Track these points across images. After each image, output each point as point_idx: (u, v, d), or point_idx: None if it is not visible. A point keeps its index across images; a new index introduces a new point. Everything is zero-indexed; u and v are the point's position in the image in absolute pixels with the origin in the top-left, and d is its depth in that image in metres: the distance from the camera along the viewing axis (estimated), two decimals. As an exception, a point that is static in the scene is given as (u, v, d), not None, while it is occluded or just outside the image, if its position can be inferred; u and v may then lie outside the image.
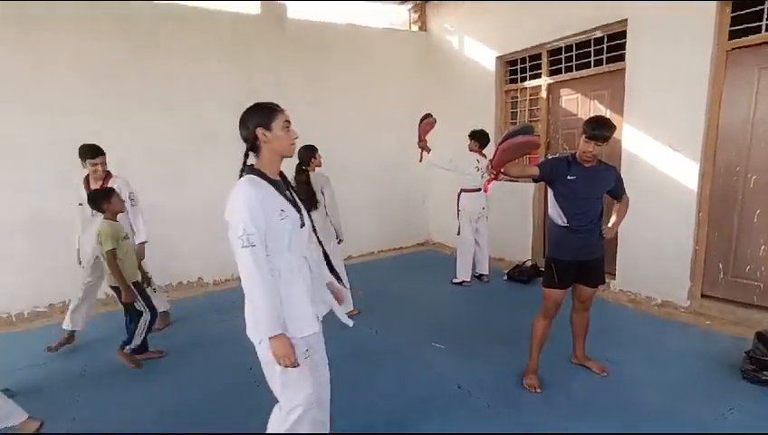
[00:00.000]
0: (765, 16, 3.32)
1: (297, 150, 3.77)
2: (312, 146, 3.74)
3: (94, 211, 3.24)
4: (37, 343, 3.61)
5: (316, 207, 3.65)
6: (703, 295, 3.85)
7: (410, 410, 2.59)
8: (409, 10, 6.66)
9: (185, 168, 4.98)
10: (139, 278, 3.32)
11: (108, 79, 4.54)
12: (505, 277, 4.92)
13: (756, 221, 3.53)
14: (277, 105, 1.71)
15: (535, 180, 2.78)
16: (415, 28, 6.64)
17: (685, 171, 3.77)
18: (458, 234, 4.82)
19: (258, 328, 1.66)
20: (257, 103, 1.70)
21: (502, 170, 2.62)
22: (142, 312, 3.27)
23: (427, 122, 4.22)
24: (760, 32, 3.36)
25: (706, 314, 3.74)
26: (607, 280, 4.44)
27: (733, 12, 3.47)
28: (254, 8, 5.36)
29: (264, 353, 1.68)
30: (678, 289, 3.90)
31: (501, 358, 3.14)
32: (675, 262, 3.90)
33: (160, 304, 3.72)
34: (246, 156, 1.70)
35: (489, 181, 2.90)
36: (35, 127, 4.25)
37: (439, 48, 6.32)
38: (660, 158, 3.91)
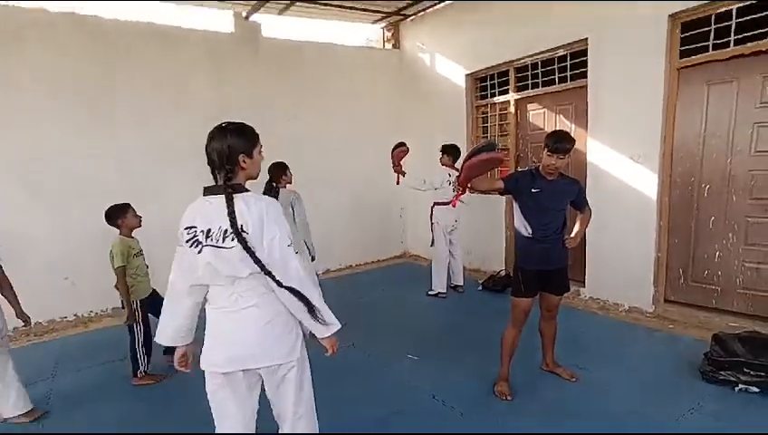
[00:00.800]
0: (712, 36, 3.56)
1: (267, 167, 3.82)
2: (283, 163, 3.80)
3: None
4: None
5: None
6: (666, 300, 4.02)
7: (383, 421, 2.61)
8: (383, 28, 6.83)
9: (159, 182, 4.93)
10: (148, 294, 3.29)
11: (80, 94, 4.51)
12: (480, 287, 5.02)
13: (711, 228, 3.72)
14: (254, 129, 1.70)
15: (502, 193, 2.89)
16: (389, 46, 6.81)
17: (645, 182, 3.96)
18: (432, 245, 4.90)
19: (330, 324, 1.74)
20: (240, 127, 1.65)
21: (469, 185, 2.71)
22: (136, 334, 3.18)
23: (400, 150, 4.47)
24: (707, 51, 3.60)
25: (670, 318, 3.89)
26: (576, 288, 4.58)
27: (682, 32, 3.70)
28: (229, 26, 5.41)
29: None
30: (643, 295, 4.05)
31: (474, 367, 3.20)
32: (639, 269, 4.07)
33: None
34: (228, 177, 1.61)
35: (457, 196, 2.99)
36: (6, 141, 4.17)
37: (413, 65, 6.49)
38: (622, 169, 4.10)
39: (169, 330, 1.72)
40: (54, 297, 4.07)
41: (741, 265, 3.60)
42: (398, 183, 4.66)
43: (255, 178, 1.72)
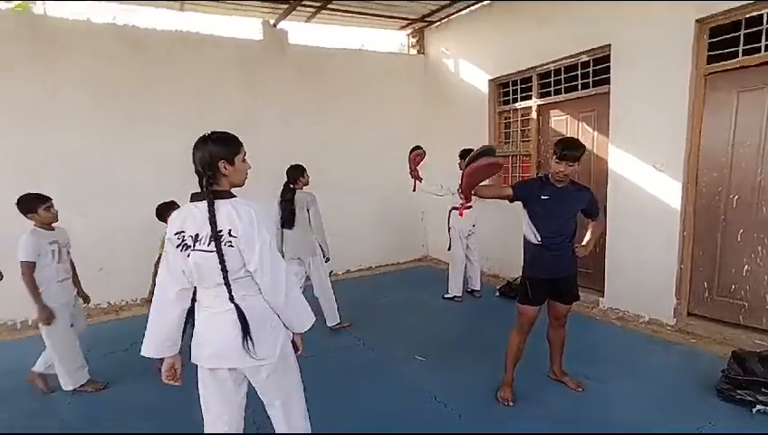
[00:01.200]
0: (742, 42, 3.42)
1: (286, 169, 3.96)
2: (300, 165, 3.92)
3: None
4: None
5: (291, 227, 3.83)
6: (689, 314, 3.86)
7: (383, 419, 2.66)
8: (408, 35, 6.91)
9: (191, 184, 5.16)
10: None
11: (119, 100, 4.82)
12: (497, 293, 4.97)
13: (740, 240, 3.55)
14: (237, 137, 1.75)
15: (511, 201, 2.83)
16: (414, 52, 6.87)
17: (668, 191, 3.83)
18: (449, 250, 4.91)
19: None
20: (222, 136, 1.71)
21: (473, 193, 2.71)
22: None
23: (416, 154, 4.13)
24: (737, 57, 3.46)
25: (693, 332, 3.74)
26: (596, 298, 4.48)
27: (711, 38, 3.57)
28: (257, 34, 5.64)
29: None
30: (665, 307, 3.91)
31: (481, 372, 3.19)
32: (661, 280, 3.93)
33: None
34: (210, 183, 1.67)
35: (462, 206, 2.99)
36: (50, 143, 4.51)
37: (437, 71, 6.52)
38: (645, 177, 3.98)
39: (156, 341, 1.69)
40: (90, 286, 4.31)
41: (771, 280, 3.42)
42: (414, 189, 4.29)
43: (241, 186, 1.74)
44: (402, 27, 6.67)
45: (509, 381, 2.89)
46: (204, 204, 1.63)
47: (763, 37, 3.30)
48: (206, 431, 1.80)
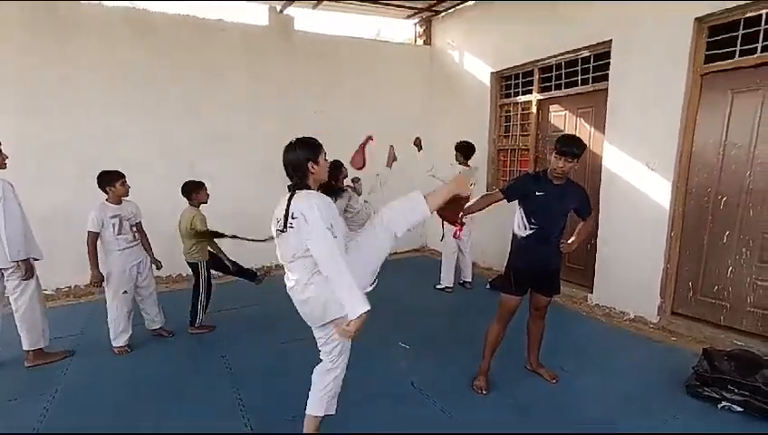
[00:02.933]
0: (739, 42, 3.40)
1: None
2: (340, 163, 4.03)
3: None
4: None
5: None
6: (673, 312, 3.91)
7: (358, 402, 2.75)
8: (415, 24, 6.90)
9: (197, 164, 5.32)
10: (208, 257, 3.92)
11: (129, 83, 4.96)
12: (488, 285, 5.05)
13: (726, 242, 3.58)
14: (317, 140, 2.14)
15: (508, 201, 2.85)
16: (420, 42, 6.87)
17: (659, 190, 3.85)
18: (441, 240, 4.99)
19: (353, 304, 1.93)
20: (304, 140, 2.10)
21: (462, 215, 2.71)
22: (202, 291, 3.84)
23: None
24: (733, 57, 3.44)
25: (675, 331, 3.79)
26: (584, 294, 4.54)
27: (709, 37, 3.55)
28: (264, 19, 5.70)
29: (344, 325, 1.98)
30: (649, 305, 3.96)
31: (461, 360, 3.28)
32: (647, 278, 3.97)
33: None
34: (302, 179, 2.06)
35: (460, 229, 3.09)
36: (63, 128, 4.68)
37: (442, 62, 6.52)
38: (637, 176, 4.00)
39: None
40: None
41: (753, 283, 3.44)
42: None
43: (325, 181, 2.17)
44: (409, 16, 6.66)
45: (485, 370, 2.99)
46: (287, 195, 2.04)
47: (761, 38, 3.28)
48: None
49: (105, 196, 3.42)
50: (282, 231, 2.00)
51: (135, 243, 3.56)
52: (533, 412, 2.68)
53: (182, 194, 3.75)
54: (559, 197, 2.73)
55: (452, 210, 2.54)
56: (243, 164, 5.57)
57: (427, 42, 6.79)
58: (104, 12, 4.83)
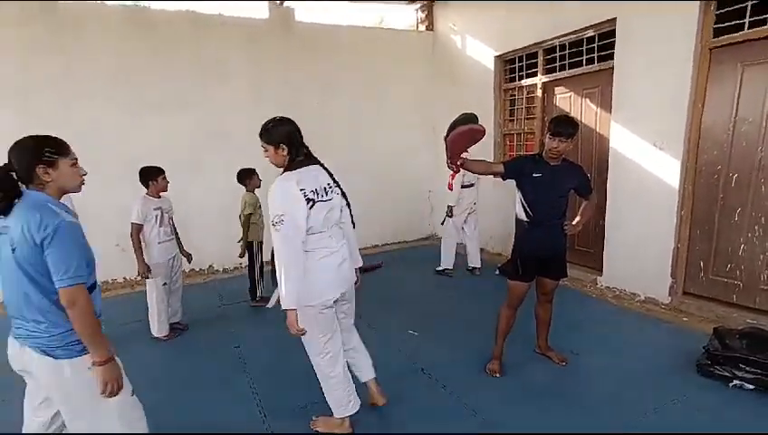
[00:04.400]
0: (748, 14, 3.31)
1: None
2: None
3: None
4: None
5: None
6: (684, 292, 3.87)
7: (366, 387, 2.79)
8: (417, 10, 6.82)
9: (198, 157, 5.37)
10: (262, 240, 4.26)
11: (130, 78, 4.99)
12: (497, 271, 5.04)
13: (737, 220, 3.52)
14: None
15: (503, 178, 2.87)
16: (422, 28, 6.79)
17: (668, 169, 3.79)
18: (442, 223, 5.00)
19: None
20: (284, 117, 2.15)
21: (459, 163, 2.73)
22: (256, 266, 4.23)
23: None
24: (743, 29, 3.35)
25: (686, 311, 3.76)
26: (594, 276, 4.51)
27: (717, 9, 3.46)
28: (263, 12, 5.68)
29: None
30: (660, 286, 3.93)
31: (471, 346, 3.29)
32: (657, 259, 3.93)
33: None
34: (307, 149, 2.20)
35: (452, 177, 3.04)
36: (64, 121, 4.72)
37: (445, 47, 6.45)
38: (645, 155, 3.94)
39: (295, 294, 1.99)
40: (107, 261, 4.60)
41: (767, 261, 3.39)
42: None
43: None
44: (410, 2, 6.59)
45: (498, 354, 3.00)
46: (308, 168, 2.12)
47: (771, 9, 3.19)
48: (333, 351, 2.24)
49: (144, 190, 3.58)
50: (328, 200, 2.13)
51: (171, 236, 3.70)
52: (545, 395, 2.69)
53: (237, 181, 4.13)
54: (556, 177, 2.72)
55: (462, 142, 2.62)
56: (244, 158, 5.59)
57: (430, 27, 6.72)
58: (104, 8, 4.86)
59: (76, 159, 1.67)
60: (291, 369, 3.08)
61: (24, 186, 1.57)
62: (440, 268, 5.07)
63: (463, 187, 4.81)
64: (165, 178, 3.60)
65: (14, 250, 1.48)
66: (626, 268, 4.19)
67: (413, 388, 2.83)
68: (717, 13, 3.46)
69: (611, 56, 4.18)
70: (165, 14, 5.12)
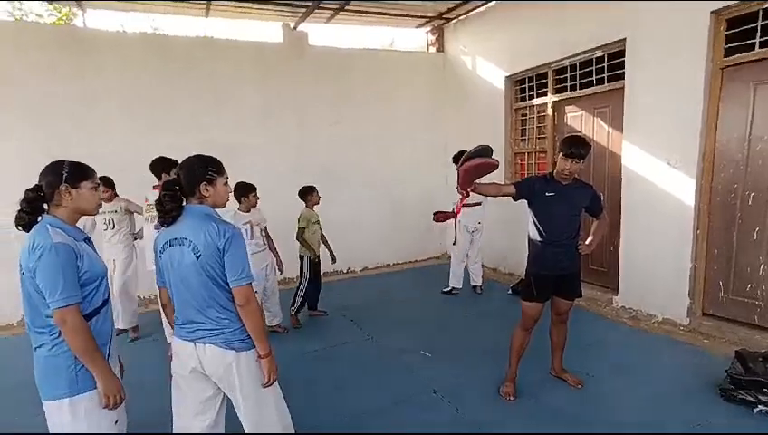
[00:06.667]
0: (759, 33, 3.32)
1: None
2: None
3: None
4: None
5: None
6: (704, 314, 3.78)
7: (379, 410, 2.78)
8: (427, 33, 6.95)
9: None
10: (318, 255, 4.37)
11: (145, 102, 5.13)
12: (509, 291, 4.99)
13: (756, 238, 3.45)
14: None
15: (514, 198, 2.87)
16: (433, 50, 6.92)
17: (682, 188, 3.75)
18: (454, 244, 4.98)
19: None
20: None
21: (470, 189, 2.76)
22: (302, 281, 4.33)
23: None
24: (754, 48, 3.35)
25: (706, 332, 3.66)
26: (609, 296, 4.44)
27: (727, 30, 3.47)
28: (278, 36, 5.84)
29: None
30: (678, 307, 3.84)
31: (483, 368, 3.25)
32: (674, 279, 3.86)
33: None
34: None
35: (461, 201, 3.04)
36: (80, 144, 4.88)
37: (455, 68, 6.54)
38: (658, 174, 3.91)
39: None
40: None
41: (788, 281, 3.31)
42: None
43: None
44: (420, 25, 6.73)
45: (512, 376, 2.95)
46: None
47: (782, 29, 3.19)
48: None
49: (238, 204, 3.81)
50: None
51: (264, 247, 3.94)
52: (559, 419, 2.63)
53: (299, 197, 4.32)
54: (569, 197, 2.72)
55: (474, 173, 2.63)
56: (258, 179, 5.69)
57: (440, 49, 6.83)
58: (124, 36, 5.05)
59: (227, 178, 1.89)
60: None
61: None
62: (446, 289, 5.05)
63: (467, 205, 4.81)
64: (256, 195, 3.90)
65: (198, 257, 1.70)
66: (642, 288, 4.12)
67: (425, 410, 2.78)
68: (727, 33, 3.48)
69: (622, 76, 4.20)
70: (181, 41, 5.30)
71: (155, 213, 3.60)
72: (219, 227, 1.71)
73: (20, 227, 1.63)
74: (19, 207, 1.61)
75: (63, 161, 1.68)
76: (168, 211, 1.75)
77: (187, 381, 1.82)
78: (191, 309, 1.75)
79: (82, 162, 1.76)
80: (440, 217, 3.43)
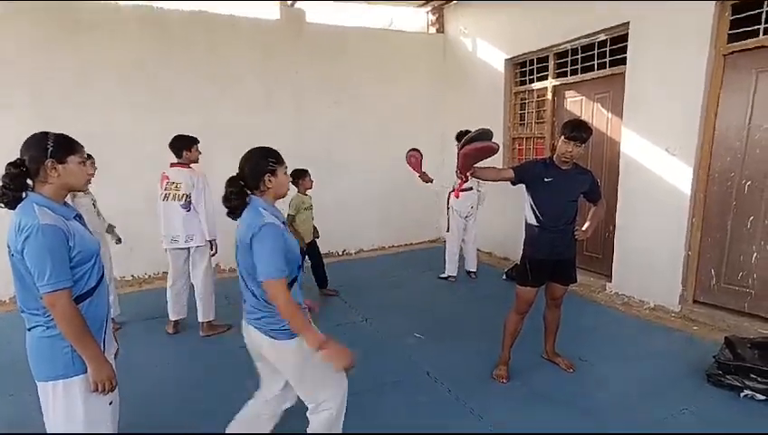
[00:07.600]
0: (763, 20, 3.27)
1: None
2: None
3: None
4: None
5: None
6: (695, 301, 3.83)
7: (374, 391, 2.80)
8: (428, 12, 6.82)
9: (207, 156, 5.37)
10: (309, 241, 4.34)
11: (142, 78, 5.03)
12: (504, 276, 5.02)
13: (749, 228, 3.47)
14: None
15: (513, 183, 2.85)
16: (433, 30, 6.79)
17: (679, 176, 3.75)
18: (447, 231, 4.99)
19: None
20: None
21: (470, 173, 2.74)
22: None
23: (412, 155, 4.25)
24: (758, 35, 3.31)
25: (697, 319, 3.71)
26: (603, 282, 4.47)
27: (732, 15, 3.42)
28: (275, 13, 5.71)
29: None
30: (670, 294, 3.88)
31: (476, 351, 3.28)
32: (668, 266, 3.89)
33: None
34: None
35: (459, 186, 3.02)
36: (76, 122, 4.78)
37: (455, 50, 6.44)
38: (656, 161, 3.91)
39: None
40: (115, 259, 4.65)
41: (780, 270, 3.34)
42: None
43: None
44: (422, 5, 6.59)
45: (505, 359, 2.98)
46: None
47: (787, 15, 3.15)
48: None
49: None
50: None
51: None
52: (551, 401, 2.67)
53: (291, 182, 4.03)
54: (567, 182, 2.71)
55: (475, 157, 2.62)
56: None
57: (440, 30, 6.71)
58: (119, 8, 4.91)
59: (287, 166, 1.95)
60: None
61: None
62: (443, 275, 5.07)
63: (462, 190, 4.79)
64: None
65: (239, 248, 1.80)
66: (635, 275, 4.15)
67: (418, 391, 2.81)
68: (732, 18, 3.43)
69: (623, 61, 4.15)
70: (178, 14, 5.15)
71: (176, 191, 3.57)
72: (253, 223, 1.72)
73: (4, 205, 1.52)
74: (1, 183, 1.50)
75: (47, 133, 1.56)
76: (236, 208, 1.80)
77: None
78: (243, 289, 1.87)
79: (68, 135, 1.65)
80: (411, 159, 4.12)
